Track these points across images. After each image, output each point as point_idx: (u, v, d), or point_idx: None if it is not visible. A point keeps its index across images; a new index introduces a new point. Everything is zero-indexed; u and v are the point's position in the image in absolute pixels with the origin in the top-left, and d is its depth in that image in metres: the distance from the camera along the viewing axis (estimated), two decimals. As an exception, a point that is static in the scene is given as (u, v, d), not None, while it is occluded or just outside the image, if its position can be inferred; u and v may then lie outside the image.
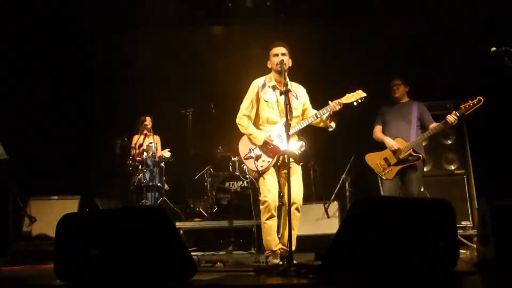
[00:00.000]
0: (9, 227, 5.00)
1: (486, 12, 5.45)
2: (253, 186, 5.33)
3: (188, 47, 6.90)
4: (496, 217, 2.76)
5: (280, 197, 3.99)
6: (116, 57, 6.96)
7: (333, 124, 3.76)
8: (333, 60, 6.38)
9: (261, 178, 3.73)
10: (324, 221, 5.13)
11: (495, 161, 5.45)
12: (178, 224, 5.52)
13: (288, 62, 3.74)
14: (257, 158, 3.73)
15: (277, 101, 3.79)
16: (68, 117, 6.40)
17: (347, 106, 3.68)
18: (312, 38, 6.37)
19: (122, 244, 2.68)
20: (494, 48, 3.54)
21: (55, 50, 6.26)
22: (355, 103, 3.69)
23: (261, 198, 3.70)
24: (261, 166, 3.70)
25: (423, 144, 5.32)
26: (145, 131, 6.10)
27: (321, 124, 3.82)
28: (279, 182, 3.79)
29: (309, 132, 4.02)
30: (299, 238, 3.79)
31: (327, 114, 3.70)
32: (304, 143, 3.81)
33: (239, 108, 3.90)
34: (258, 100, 3.83)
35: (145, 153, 5.99)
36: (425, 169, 5.30)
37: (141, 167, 5.92)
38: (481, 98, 4.10)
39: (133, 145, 6.01)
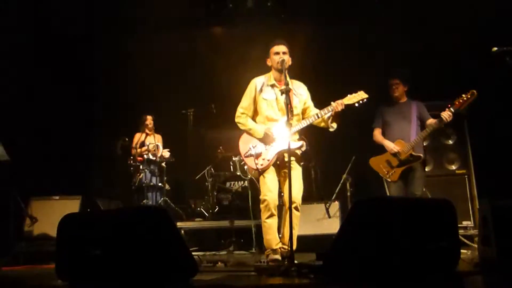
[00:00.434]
0: (11, 227, 5.01)
1: (487, 11, 5.44)
2: (252, 186, 5.33)
3: (189, 47, 6.89)
4: (497, 217, 2.76)
5: (280, 196, 3.99)
6: (117, 57, 6.96)
7: (334, 125, 3.76)
8: (334, 60, 6.37)
9: (261, 177, 3.74)
10: (325, 221, 5.13)
11: (496, 161, 5.44)
12: (179, 224, 5.53)
13: (288, 60, 3.75)
14: (257, 156, 3.73)
15: (276, 99, 3.80)
16: (69, 117, 6.40)
17: (349, 107, 3.68)
18: (312, 39, 6.36)
19: (123, 244, 2.68)
20: (495, 48, 3.54)
21: (55, 50, 6.26)
22: (356, 104, 3.69)
23: (261, 197, 3.71)
24: (261, 165, 3.71)
25: (424, 144, 5.35)
26: (146, 130, 6.10)
27: (322, 124, 3.82)
28: (279, 181, 3.79)
29: (310, 132, 4.02)
30: (300, 238, 3.79)
31: (328, 115, 3.70)
32: (305, 143, 3.81)
33: (238, 107, 3.91)
34: (256, 98, 3.84)
35: (145, 153, 5.99)
36: (426, 169, 5.31)
37: (142, 167, 5.93)
38: (474, 91, 4.10)
39: (134, 145, 6.02)
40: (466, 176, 5.28)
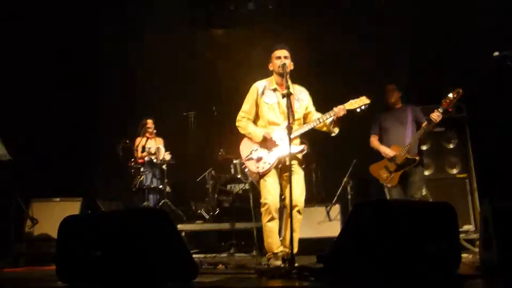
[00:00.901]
0: (11, 229, 5.01)
1: (488, 15, 5.45)
2: (253, 189, 5.33)
3: (191, 49, 6.91)
4: (498, 220, 2.76)
5: (282, 199, 3.99)
6: (119, 59, 6.97)
7: (336, 130, 3.77)
8: (335, 63, 6.38)
9: (261, 180, 3.74)
10: (325, 224, 5.13)
11: (497, 165, 5.44)
12: (179, 226, 5.52)
13: (290, 65, 3.76)
14: (258, 160, 3.74)
15: (278, 103, 3.81)
16: (71, 119, 6.41)
17: (350, 112, 3.69)
18: (313, 41, 6.37)
19: (124, 246, 2.68)
20: (497, 53, 3.55)
21: (57, 52, 6.28)
22: (358, 110, 3.70)
23: (262, 200, 3.71)
24: (262, 168, 3.71)
25: (424, 148, 5.37)
26: (147, 134, 6.11)
27: (324, 129, 3.83)
28: (280, 184, 3.79)
29: (311, 135, 4.03)
30: (301, 240, 3.79)
31: (330, 119, 3.70)
32: (306, 146, 3.82)
33: (239, 111, 3.92)
34: (258, 102, 3.85)
35: (147, 156, 5.99)
36: (427, 173, 5.34)
37: (143, 169, 5.93)
38: (459, 90, 4.15)
39: (135, 147, 6.02)
40: (467, 180, 5.28)
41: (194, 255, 3.15)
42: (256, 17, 6.73)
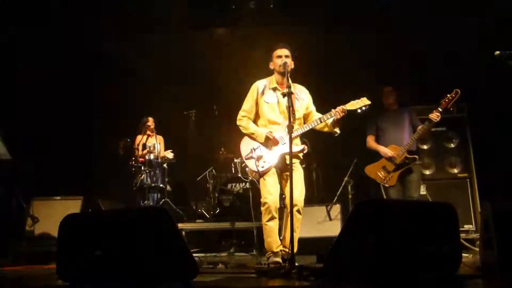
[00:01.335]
0: (12, 227, 5.02)
1: (488, 14, 5.44)
2: (253, 188, 5.33)
3: (191, 48, 6.91)
4: (498, 220, 2.76)
5: (282, 199, 3.99)
6: (119, 58, 6.97)
7: (337, 130, 3.77)
8: (336, 63, 6.37)
9: (261, 179, 3.74)
10: (326, 223, 5.13)
11: (498, 165, 5.44)
12: (180, 225, 5.53)
13: (290, 64, 3.76)
14: (258, 158, 3.74)
15: (278, 102, 3.81)
16: (71, 118, 6.42)
17: (351, 113, 3.69)
18: (314, 41, 6.37)
19: (124, 245, 2.69)
20: (498, 52, 3.55)
21: (57, 51, 6.28)
22: (359, 110, 3.70)
23: (262, 199, 3.71)
24: (262, 167, 3.71)
25: (425, 148, 5.38)
26: (148, 132, 6.11)
27: (326, 129, 3.82)
28: (280, 183, 3.79)
29: (312, 135, 4.03)
30: (301, 240, 3.79)
31: (331, 120, 3.70)
32: (306, 146, 3.83)
33: (240, 110, 3.91)
34: (258, 101, 3.85)
35: (147, 154, 5.99)
36: (428, 173, 5.34)
37: (144, 168, 5.93)
38: (457, 90, 4.26)
39: (135, 146, 6.02)
40: (467, 179, 5.28)
41: (194, 254, 3.15)
42: (257, 16, 6.72)
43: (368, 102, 3.72)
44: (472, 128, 5.38)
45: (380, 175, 4.52)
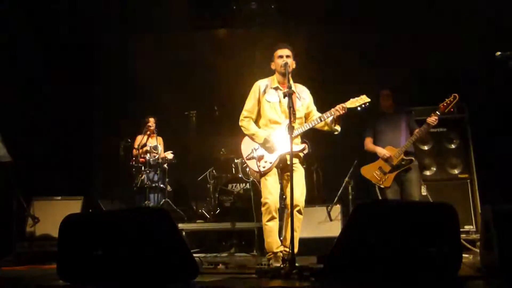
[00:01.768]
0: (13, 228, 5.02)
1: (489, 14, 5.44)
2: (254, 188, 5.34)
3: (192, 49, 6.91)
4: (499, 221, 2.76)
5: (283, 199, 3.98)
6: (120, 58, 6.98)
7: (338, 128, 3.77)
8: (336, 63, 6.37)
9: (262, 179, 3.74)
10: (326, 224, 5.13)
11: (498, 166, 5.43)
12: (180, 225, 5.53)
13: (292, 64, 3.76)
14: (259, 158, 3.73)
15: (279, 102, 3.81)
16: (71, 118, 6.42)
17: (351, 111, 3.69)
18: (315, 41, 6.37)
19: (124, 245, 2.69)
20: (499, 53, 3.55)
21: (58, 51, 6.29)
22: (359, 108, 3.70)
23: (262, 199, 3.71)
24: (263, 167, 3.71)
25: (425, 149, 5.38)
26: (148, 132, 6.11)
27: (326, 128, 3.82)
28: (281, 184, 3.79)
29: (312, 135, 4.03)
30: (301, 240, 3.79)
31: (331, 118, 3.70)
32: (307, 146, 3.82)
33: (242, 110, 3.91)
34: (260, 101, 3.85)
35: (148, 155, 5.99)
36: (428, 173, 5.34)
37: (144, 168, 5.94)
38: (456, 95, 4.30)
39: (136, 146, 6.03)
40: (468, 180, 5.28)
41: (194, 255, 3.15)
42: (258, 16, 6.73)
43: (368, 100, 3.72)
44: (472, 129, 5.38)
45: (376, 176, 4.56)
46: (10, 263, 4.66)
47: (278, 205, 3.69)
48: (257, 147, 3.78)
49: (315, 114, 3.89)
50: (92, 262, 2.72)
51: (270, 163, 3.71)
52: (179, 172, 6.39)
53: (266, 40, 5.80)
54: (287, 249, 3.60)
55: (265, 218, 3.68)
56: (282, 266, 3.41)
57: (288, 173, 3.53)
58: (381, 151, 4.58)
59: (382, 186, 4.52)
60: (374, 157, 4.66)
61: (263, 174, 3.72)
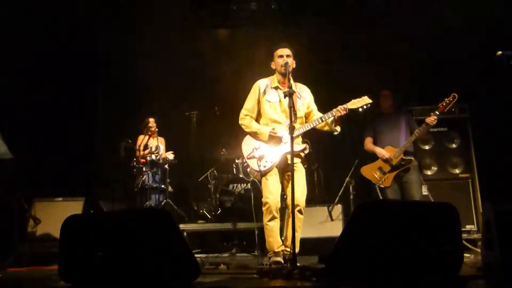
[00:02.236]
0: (14, 229, 5.02)
1: (489, 14, 5.43)
2: (254, 188, 5.33)
3: (193, 49, 6.91)
4: (500, 221, 2.75)
5: (284, 199, 3.98)
6: (120, 59, 6.98)
7: (338, 128, 3.77)
8: (337, 63, 6.37)
9: (263, 179, 3.74)
10: (327, 224, 5.13)
11: (500, 165, 5.43)
12: (181, 226, 5.53)
13: (292, 64, 3.76)
14: (260, 158, 3.74)
15: (280, 101, 3.81)
16: (72, 119, 6.42)
17: (353, 112, 3.69)
18: (316, 41, 6.37)
19: (126, 246, 2.69)
20: (499, 52, 3.54)
21: (58, 51, 6.28)
22: (360, 109, 3.70)
23: (263, 199, 3.72)
24: (264, 166, 3.71)
25: (426, 148, 5.38)
26: (149, 133, 6.11)
27: (326, 128, 3.82)
28: (282, 183, 3.79)
29: (313, 135, 4.03)
30: (302, 240, 3.79)
31: (331, 119, 3.70)
32: (308, 146, 3.82)
33: (241, 109, 3.91)
34: (260, 101, 3.85)
35: (149, 155, 5.99)
36: (429, 173, 5.34)
37: (145, 169, 5.94)
38: (455, 94, 4.31)
39: (137, 147, 6.03)
40: (469, 180, 5.28)
41: (196, 255, 3.15)
42: (259, 16, 6.72)
43: (370, 101, 3.72)
44: (473, 128, 5.38)
45: (376, 176, 4.58)
46: (12, 264, 4.65)
47: (279, 205, 3.70)
48: (258, 146, 3.77)
49: (316, 113, 3.89)
50: (94, 263, 2.72)
51: (271, 162, 3.72)
52: (180, 173, 6.39)
53: (266, 40, 5.79)
54: (288, 249, 3.61)
55: (266, 218, 3.68)
56: (283, 266, 3.42)
57: (289, 173, 3.53)
58: (380, 151, 4.60)
59: (382, 186, 4.54)
60: (374, 157, 4.67)
61: (263, 173, 3.71)
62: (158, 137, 6.17)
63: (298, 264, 3.06)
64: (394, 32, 6.09)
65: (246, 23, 6.81)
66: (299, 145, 3.78)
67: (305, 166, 3.87)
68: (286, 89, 3.46)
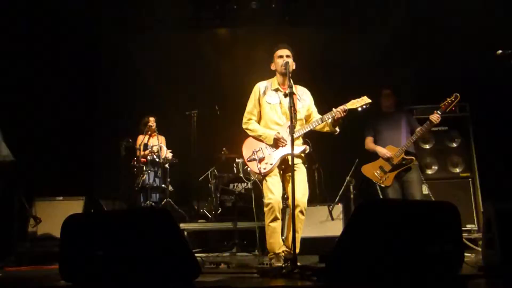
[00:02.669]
0: (15, 228, 5.03)
1: (490, 13, 5.43)
2: (255, 188, 5.33)
3: (193, 48, 6.91)
4: (501, 220, 2.75)
5: (285, 199, 3.98)
6: (121, 58, 6.98)
7: (337, 129, 3.77)
8: (337, 63, 6.37)
9: (264, 180, 3.74)
10: (328, 223, 5.13)
11: (500, 164, 5.43)
12: (182, 225, 5.53)
13: (292, 64, 3.75)
14: (260, 160, 3.73)
15: (280, 103, 3.81)
16: (73, 118, 6.42)
17: (352, 112, 3.69)
18: (316, 41, 6.36)
19: (126, 245, 2.69)
20: (500, 51, 3.55)
21: (59, 51, 6.28)
22: (359, 109, 3.70)
23: (265, 200, 3.71)
24: (264, 169, 3.71)
25: (427, 147, 5.38)
26: (149, 132, 6.11)
27: (326, 129, 3.82)
28: (283, 184, 3.79)
29: (314, 135, 4.03)
30: (303, 240, 3.79)
31: (331, 119, 3.70)
32: (308, 146, 3.83)
33: (243, 110, 3.92)
34: (260, 101, 3.85)
35: (149, 155, 5.99)
36: (430, 172, 5.34)
37: (146, 168, 5.94)
38: (457, 94, 4.32)
39: (137, 146, 6.03)
40: (470, 179, 5.28)
41: (196, 254, 3.15)
42: (259, 16, 6.72)
43: (369, 101, 3.72)
44: (474, 127, 5.38)
45: (377, 175, 4.58)
46: (12, 263, 4.66)
47: (281, 205, 3.69)
48: (258, 149, 3.77)
49: (316, 116, 3.88)
50: (94, 262, 2.72)
51: (271, 164, 3.72)
52: (180, 172, 6.39)
53: (267, 39, 5.79)
54: (289, 249, 3.60)
55: (268, 219, 3.67)
56: (284, 265, 3.42)
57: (290, 174, 3.53)
58: (381, 150, 4.59)
59: (382, 185, 4.54)
60: (375, 156, 4.67)
61: (264, 175, 3.71)
62: (159, 136, 6.16)
63: (298, 264, 3.05)
64: (394, 32, 6.09)
65: (246, 23, 6.81)
66: (299, 147, 3.77)
67: (306, 165, 3.87)
68: (287, 90, 3.46)
